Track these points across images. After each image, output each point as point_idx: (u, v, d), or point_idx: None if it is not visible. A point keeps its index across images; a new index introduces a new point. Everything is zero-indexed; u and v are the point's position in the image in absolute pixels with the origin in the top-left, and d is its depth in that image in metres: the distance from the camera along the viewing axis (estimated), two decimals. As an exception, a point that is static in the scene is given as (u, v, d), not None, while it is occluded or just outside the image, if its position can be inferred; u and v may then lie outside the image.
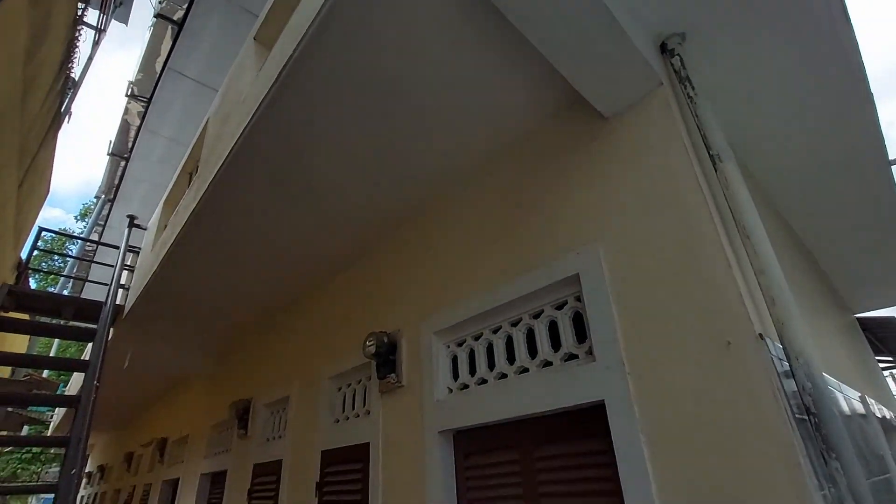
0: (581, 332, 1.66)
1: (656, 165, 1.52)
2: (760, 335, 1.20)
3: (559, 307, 1.74)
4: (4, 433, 6.53)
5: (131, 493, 6.89)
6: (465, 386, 2.00)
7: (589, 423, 1.55)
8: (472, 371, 2.01)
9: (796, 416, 1.17)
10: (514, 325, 1.89)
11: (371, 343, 2.29)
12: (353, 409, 2.69)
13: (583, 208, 1.71)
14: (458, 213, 2.30)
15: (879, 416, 2.46)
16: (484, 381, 1.93)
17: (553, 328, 1.76)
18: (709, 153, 1.45)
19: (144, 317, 3.91)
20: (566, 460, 1.61)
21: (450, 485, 1.94)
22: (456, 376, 2.08)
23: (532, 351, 1.80)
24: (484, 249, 2.08)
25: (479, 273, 2.07)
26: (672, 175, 1.47)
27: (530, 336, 1.83)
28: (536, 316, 1.81)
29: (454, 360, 2.12)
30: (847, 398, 1.93)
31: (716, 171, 1.42)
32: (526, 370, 1.78)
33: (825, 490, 1.10)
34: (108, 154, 6.44)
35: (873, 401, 2.48)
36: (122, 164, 6.43)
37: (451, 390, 2.06)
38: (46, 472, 16.83)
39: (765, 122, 2.02)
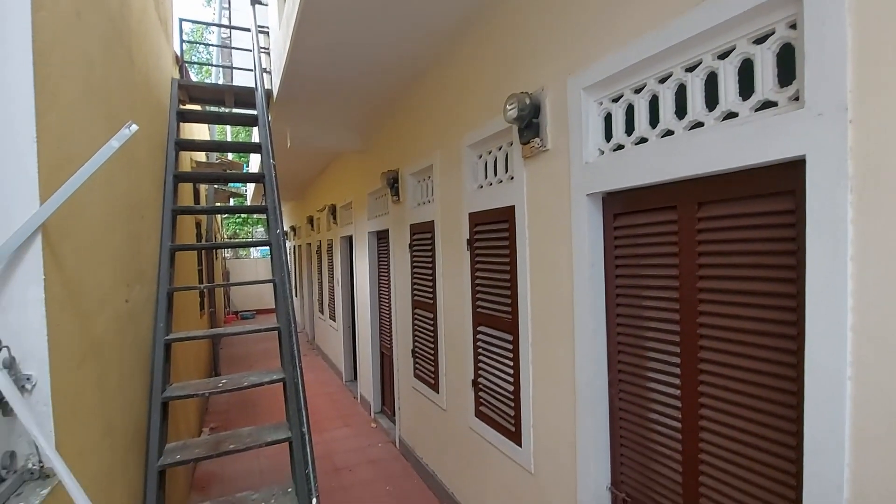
0: (784, 73, 1.31)
1: None
2: None
3: (760, 40, 1.35)
4: (219, 204, 8.31)
5: (318, 245, 8.68)
6: (620, 146, 1.84)
7: (772, 182, 1.35)
8: (629, 130, 1.81)
9: None
10: (690, 70, 1.56)
11: (512, 106, 2.15)
12: (496, 175, 2.74)
13: None
14: (619, -77, 1.75)
15: None
16: (643, 140, 1.74)
17: (743, 71, 1.42)
18: None
19: (291, 100, 4.15)
20: (735, 221, 1.48)
21: (596, 244, 1.99)
22: (609, 136, 1.91)
23: (711, 102, 1.51)
24: (653, -28, 1.61)
25: (643, 6, 1.65)
26: None
27: (710, 83, 1.52)
28: (723, 56, 1.45)
29: (607, 118, 1.91)
30: None
31: None
32: (700, 124, 1.54)
33: None
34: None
35: None
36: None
37: (602, 152, 1.93)
38: (255, 231, 21.90)
39: None
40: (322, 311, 8.80)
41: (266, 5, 4.79)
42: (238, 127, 15.78)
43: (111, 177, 1.99)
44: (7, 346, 1.18)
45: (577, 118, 1.97)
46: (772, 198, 1.37)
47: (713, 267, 1.55)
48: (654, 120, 1.71)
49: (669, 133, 1.64)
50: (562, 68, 2.06)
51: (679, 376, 1.68)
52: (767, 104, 1.35)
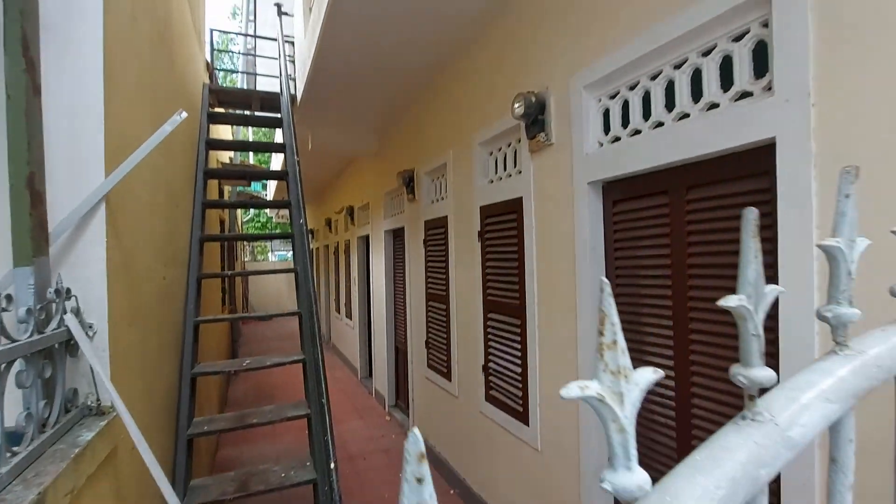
0: (759, 67, 1.46)
1: None
2: None
3: (738, 38, 1.51)
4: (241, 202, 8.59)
5: (336, 246, 8.92)
6: (617, 139, 2.00)
7: (749, 164, 1.49)
8: (625, 123, 1.97)
9: None
10: (678, 67, 1.71)
11: (519, 104, 2.32)
12: (506, 170, 2.91)
13: None
14: (616, -66, 1.92)
15: None
16: (637, 132, 1.90)
17: (724, 67, 1.57)
18: None
19: (314, 103, 4.40)
20: (717, 202, 1.62)
21: (597, 229, 2.14)
22: (607, 130, 2.06)
23: (696, 95, 1.66)
24: (646, -21, 1.78)
25: (636, 11, 1.82)
26: None
27: (695, 79, 1.67)
28: (706, 53, 1.61)
29: (605, 113, 2.07)
30: None
31: None
32: (686, 115, 1.69)
33: None
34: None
35: None
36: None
37: (601, 144, 2.09)
38: (272, 254, 22.37)
39: None
40: (339, 311, 9.01)
41: (292, 16, 5.07)
42: (258, 131, 16.18)
43: (155, 165, 2.21)
44: (76, 296, 1.38)
45: (578, 114, 2.14)
46: (750, 179, 1.51)
47: (701, 244, 1.69)
48: (646, 113, 1.86)
49: (660, 124, 1.79)
50: (564, 68, 2.23)
51: (672, 347, 1.81)
52: (745, 94, 1.49)
